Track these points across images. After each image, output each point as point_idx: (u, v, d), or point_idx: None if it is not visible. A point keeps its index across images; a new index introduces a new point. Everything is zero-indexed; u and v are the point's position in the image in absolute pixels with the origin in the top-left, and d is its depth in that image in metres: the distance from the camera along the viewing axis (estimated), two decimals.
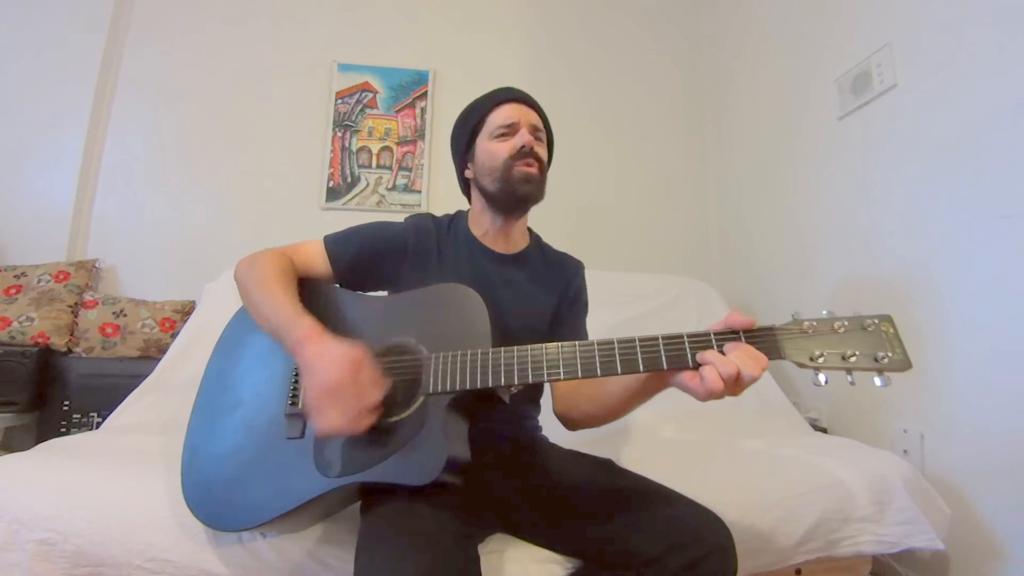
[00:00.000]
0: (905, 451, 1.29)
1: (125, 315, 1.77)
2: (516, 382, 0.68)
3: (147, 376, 1.47)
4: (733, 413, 1.53)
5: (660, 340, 0.64)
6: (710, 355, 0.60)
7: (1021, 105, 1.10)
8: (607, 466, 0.86)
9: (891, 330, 0.61)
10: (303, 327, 0.72)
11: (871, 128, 1.49)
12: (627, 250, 2.27)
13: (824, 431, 1.54)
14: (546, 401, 1.01)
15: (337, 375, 0.65)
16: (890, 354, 0.59)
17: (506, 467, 0.86)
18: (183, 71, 2.12)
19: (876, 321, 0.61)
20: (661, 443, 1.34)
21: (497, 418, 0.89)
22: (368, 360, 0.68)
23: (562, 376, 0.67)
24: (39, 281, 1.78)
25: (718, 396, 0.60)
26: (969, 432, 1.18)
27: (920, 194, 1.33)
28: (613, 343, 0.66)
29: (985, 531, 1.12)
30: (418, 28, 2.29)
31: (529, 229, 1.05)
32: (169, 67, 2.11)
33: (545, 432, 1.02)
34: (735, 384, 0.59)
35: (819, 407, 1.63)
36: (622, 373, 0.65)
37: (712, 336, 0.63)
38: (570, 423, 0.89)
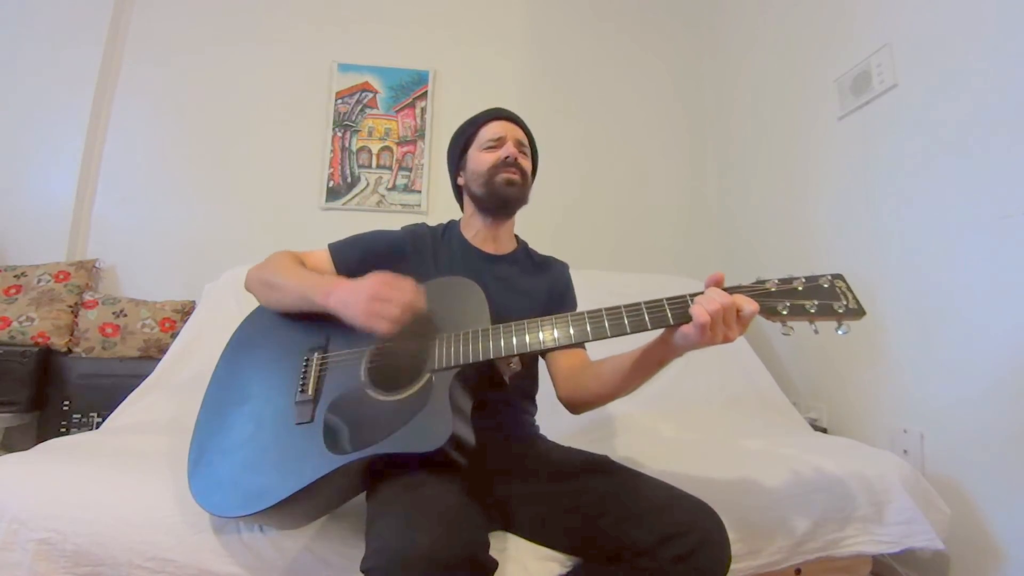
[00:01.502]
0: (905, 451, 1.29)
1: (125, 315, 1.77)
2: (516, 352, 0.75)
3: (147, 376, 1.47)
4: (733, 413, 1.53)
5: (643, 305, 0.73)
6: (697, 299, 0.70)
7: (1021, 105, 1.10)
8: (602, 461, 0.87)
9: (843, 284, 0.70)
10: (330, 280, 0.84)
11: (871, 128, 1.49)
12: (626, 250, 2.27)
13: (824, 431, 1.54)
14: (542, 399, 1.03)
15: (371, 285, 0.77)
16: (846, 303, 0.68)
17: (505, 465, 0.87)
18: (183, 71, 2.12)
19: (830, 278, 0.71)
20: (661, 442, 1.34)
21: (496, 416, 0.91)
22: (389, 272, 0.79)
23: (558, 343, 0.75)
24: (39, 281, 1.78)
25: (711, 332, 0.67)
26: (969, 432, 1.18)
27: (920, 194, 1.33)
28: (601, 311, 0.74)
29: (985, 531, 1.12)
30: (418, 28, 2.29)
31: (516, 236, 1.12)
32: (169, 67, 2.11)
33: (542, 431, 1.03)
34: (723, 319, 0.67)
35: (819, 407, 1.63)
36: (611, 335, 0.72)
37: (688, 296, 0.72)
38: (575, 406, 0.94)
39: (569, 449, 0.94)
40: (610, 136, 2.36)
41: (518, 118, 1.06)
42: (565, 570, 0.80)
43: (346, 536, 0.79)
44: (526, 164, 1.03)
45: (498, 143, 1.01)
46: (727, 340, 0.68)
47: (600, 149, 2.34)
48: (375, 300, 0.75)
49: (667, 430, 1.41)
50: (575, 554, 0.80)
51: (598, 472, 0.84)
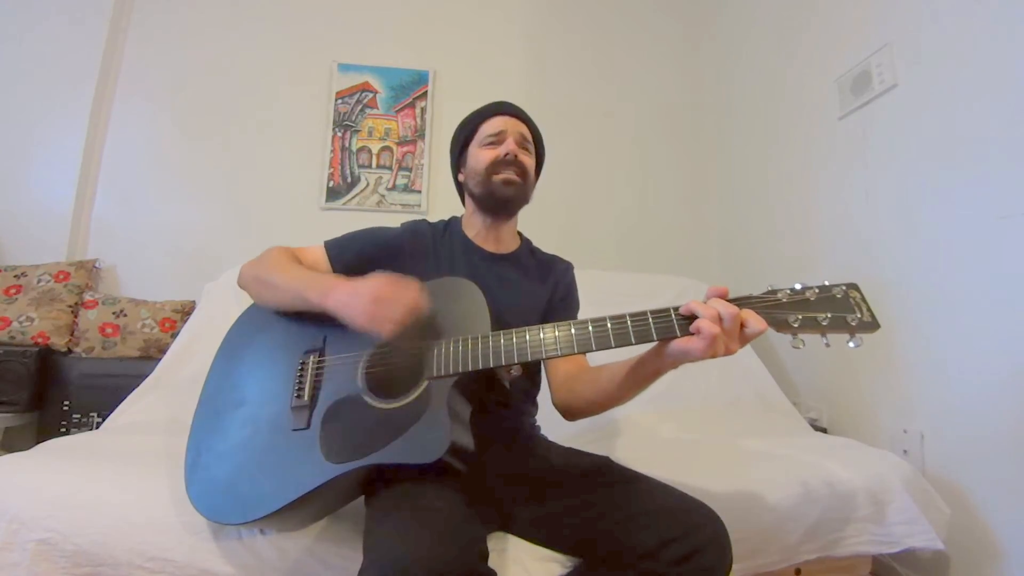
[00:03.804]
0: (905, 451, 1.29)
1: (125, 315, 1.77)
2: (516, 361, 0.72)
3: (147, 376, 1.47)
4: (733, 413, 1.53)
5: (649, 313, 0.68)
6: (695, 306, 0.65)
7: (1020, 105, 1.10)
8: (604, 463, 0.87)
9: (858, 295, 0.67)
10: (329, 279, 0.82)
11: (871, 128, 1.49)
12: (627, 250, 2.27)
13: (824, 431, 1.54)
14: (543, 400, 1.02)
15: (374, 285, 0.74)
16: (859, 316, 0.65)
17: (506, 466, 0.87)
18: (183, 71, 2.12)
19: (844, 288, 0.67)
20: (661, 443, 1.34)
21: (497, 417, 0.91)
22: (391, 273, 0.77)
23: (560, 352, 0.71)
24: (39, 281, 1.78)
25: (714, 345, 0.63)
26: (969, 432, 1.18)
27: (920, 194, 1.33)
28: (605, 320, 0.70)
29: (985, 531, 1.12)
30: (418, 28, 2.29)
31: (519, 233, 1.10)
32: (169, 67, 2.11)
33: (543, 431, 1.03)
34: (727, 333, 0.63)
35: (819, 407, 1.63)
36: (616, 346, 0.69)
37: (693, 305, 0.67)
38: (570, 412, 0.92)
39: (569, 450, 0.93)
40: (610, 135, 2.36)
41: (521, 112, 1.03)
42: (566, 571, 0.79)
43: (346, 537, 0.79)
44: (527, 160, 0.99)
45: (498, 138, 0.98)
46: (728, 352, 0.65)
47: (600, 148, 2.34)
48: (378, 301, 0.73)
49: (667, 431, 1.41)
50: (573, 552, 0.80)
51: (599, 474, 0.83)
